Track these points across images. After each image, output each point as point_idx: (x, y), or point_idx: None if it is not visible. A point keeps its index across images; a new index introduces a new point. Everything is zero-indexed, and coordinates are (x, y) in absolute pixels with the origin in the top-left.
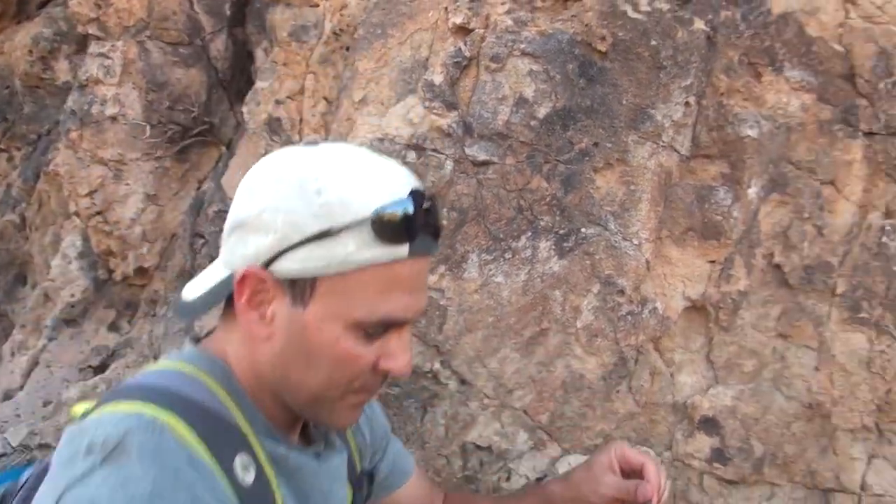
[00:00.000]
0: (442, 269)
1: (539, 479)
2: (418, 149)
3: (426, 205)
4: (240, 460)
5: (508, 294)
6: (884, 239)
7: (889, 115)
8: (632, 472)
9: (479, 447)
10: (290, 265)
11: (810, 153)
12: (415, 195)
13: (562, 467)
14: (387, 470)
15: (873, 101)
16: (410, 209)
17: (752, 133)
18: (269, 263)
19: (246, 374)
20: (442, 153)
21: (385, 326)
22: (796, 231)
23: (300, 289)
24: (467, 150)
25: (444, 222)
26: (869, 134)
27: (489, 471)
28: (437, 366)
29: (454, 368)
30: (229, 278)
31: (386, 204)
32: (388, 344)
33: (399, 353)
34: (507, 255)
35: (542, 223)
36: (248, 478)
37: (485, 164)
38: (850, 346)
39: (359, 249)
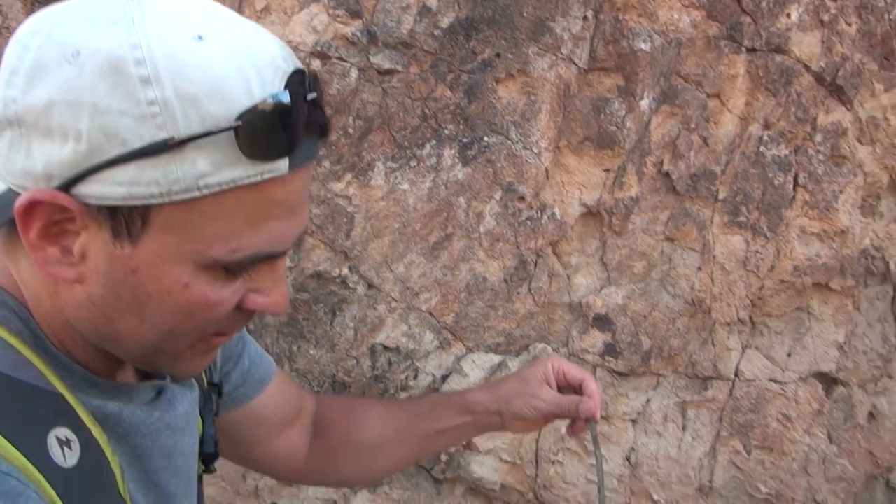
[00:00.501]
0: (349, 176)
1: (445, 378)
2: (323, 57)
3: (310, 95)
4: (55, 437)
5: (414, 201)
6: (761, 148)
7: (770, 33)
8: (568, 388)
9: (387, 348)
10: (107, 189)
11: (698, 67)
12: (294, 83)
13: (466, 365)
14: (239, 380)
15: (756, 19)
16: (289, 105)
17: (646, 47)
18: (71, 184)
19: (49, 317)
20: (347, 61)
21: (256, 261)
22: (684, 141)
23: (126, 220)
24: (372, 59)
25: (350, 130)
26: (751, 50)
27: (397, 370)
28: (345, 271)
29: (362, 273)
30: (7, 194)
31: (255, 100)
32: (256, 278)
33: (272, 288)
34: (413, 163)
35: (446, 132)
36: (71, 457)
37: (389, 72)
38: (729, 247)
39: (215, 169)
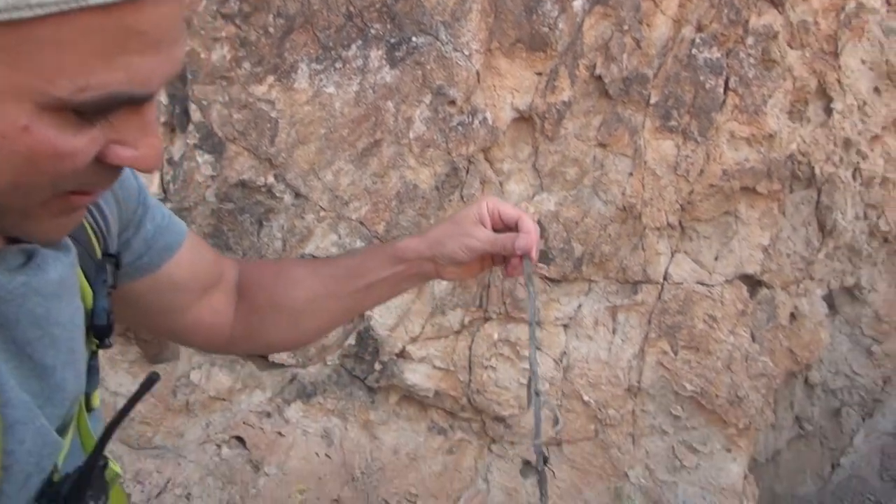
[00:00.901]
0: (270, 79)
1: None
2: None
3: None
4: None
5: (340, 105)
6: (693, 51)
7: None
8: (504, 229)
9: (317, 259)
10: None
11: None
12: None
13: None
14: (142, 248)
15: None
16: None
17: None
18: None
19: None
20: None
21: (114, 104)
22: (617, 43)
23: None
24: None
25: (271, 30)
26: None
27: None
28: (270, 179)
29: (288, 181)
30: None
31: None
32: (119, 126)
33: (140, 139)
34: (338, 65)
35: (372, 31)
36: None
37: None
38: (660, 152)
39: None
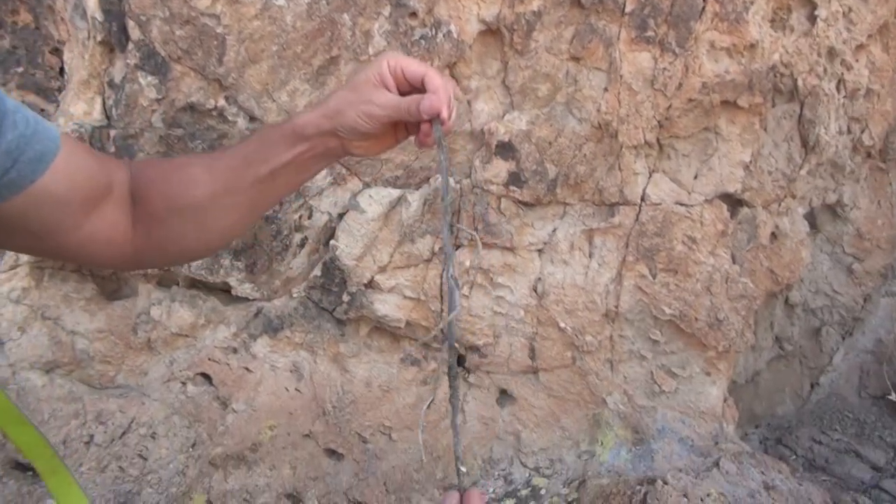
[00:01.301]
0: None
1: (341, 215)
2: None
3: None
4: None
5: (293, 19)
6: None
7: None
8: (412, 90)
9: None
10: None
11: None
12: None
13: (363, 201)
14: (5, 162)
15: None
16: None
17: None
18: None
19: None
20: None
21: None
22: None
23: None
24: None
25: None
26: None
27: (289, 210)
28: (221, 102)
29: (241, 104)
30: None
31: None
32: None
33: None
34: None
35: None
36: None
37: None
38: (637, 65)
39: None
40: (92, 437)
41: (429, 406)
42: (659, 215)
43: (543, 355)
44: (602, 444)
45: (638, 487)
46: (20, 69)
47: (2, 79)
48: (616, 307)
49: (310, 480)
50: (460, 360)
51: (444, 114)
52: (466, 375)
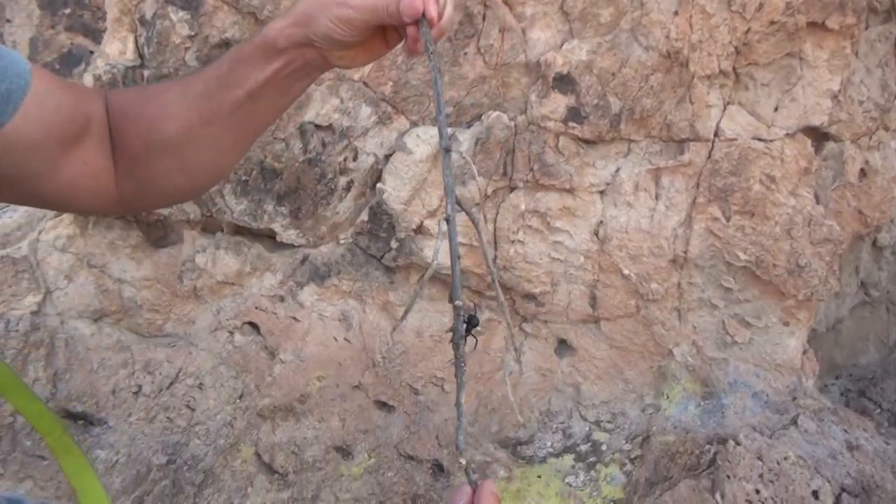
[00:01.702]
0: None
1: (388, 157)
2: None
3: None
4: None
5: None
6: None
7: None
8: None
9: (318, 127)
10: None
11: None
12: None
13: (410, 141)
14: None
15: None
16: None
17: None
18: None
19: None
20: None
21: None
22: None
23: None
24: None
25: None
26: None
27: (333, 152)
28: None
29: None
30: None
31: None
32: None
33: None
34: None
35: None
36: None
37: None
38: None
39: None
40: (140, 387)
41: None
42: (734, 152)
43: (605, 304)
44: (668, 397)
45: (707, 447)
46: (67, 10)
47: (50, 21)
48: (685, 253)
49: (359, 433)
50: (470, 324)
51: (432, 12)
52: (522, 324)
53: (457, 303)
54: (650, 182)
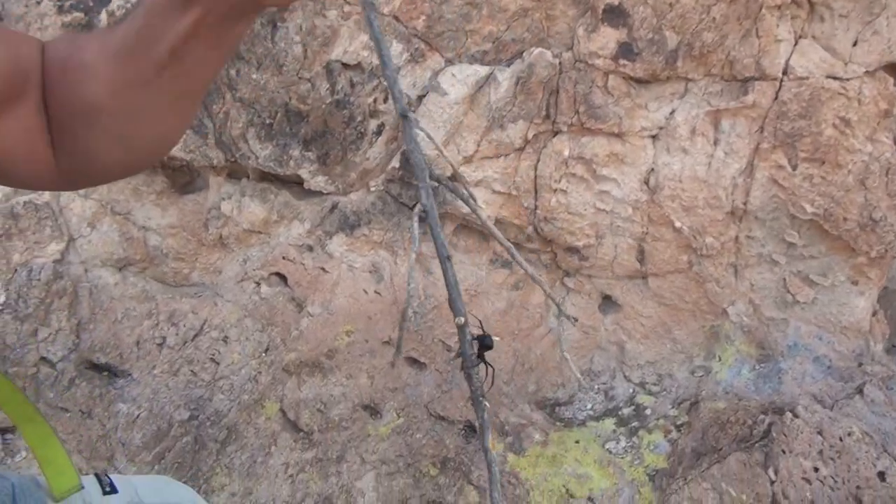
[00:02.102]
0: None
1: (421, 98)
2: None
3: None
4: None
5: None
6: None
7: None
8: None
9: (346, 66)
10: None
11: None
12: None
13: (445, 81)
14: None
15: None
16: None
17: None
18: None
19: None
20: None
21: None
22: None
23: None
24: None
25: None
26: None
27: (362, 92)
28: None
29: None
30: None
31: None
32: None
33: None
34: None
35: None
36: None
37: None
38: None
39: None
40: (164, 338)
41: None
42: (805, 92)
43: (654, 258)
44: (720, 359)
45: (761, 417)
46: None
47: None
48: (744, 204)
49: (388, 391)
50: (483, 346)
51: None
52: (563, 279)
53: (459, 319)
54: (708, 126)
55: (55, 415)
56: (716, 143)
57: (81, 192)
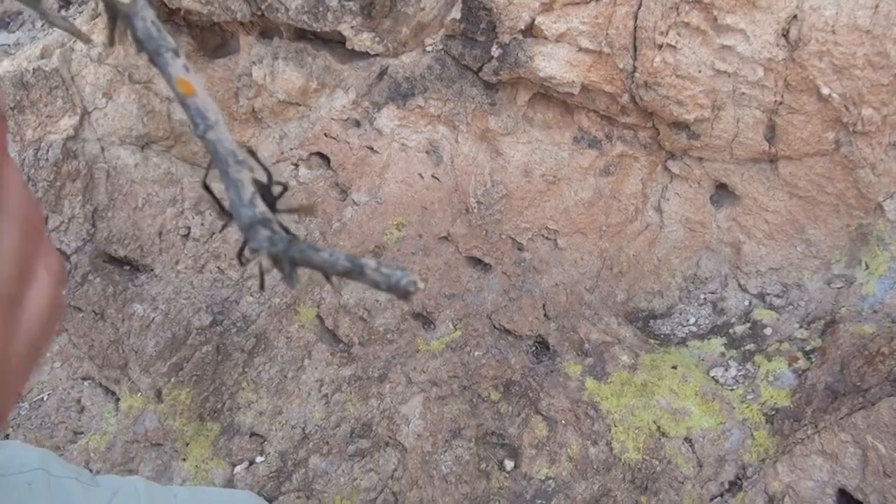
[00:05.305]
0: None
1: None
2: None
3: None
4: None
5: None
6: None
7: None
8: None
9: None
10: None
11: None
12: None
13: None
14: None
15: None
16: None
17: None
18: None
19: None
20: None
21: None
22: None
23: None
24: None
25: None
26: None
27: None
28: None
29: None
30: None
31: None
32: None
33: None
34: None
35: None
36: None
37: None
38: None
39: None
40: (189, 229)
41: None
42: None
43: (788, 136)
44: (868, 268)
45: None
46: None
47: None
48: None
49: (444, 298)
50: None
51: None
52: (667, 162)
53: None
54: None
55: (66, 315)
56: None
57: (94, 55)
